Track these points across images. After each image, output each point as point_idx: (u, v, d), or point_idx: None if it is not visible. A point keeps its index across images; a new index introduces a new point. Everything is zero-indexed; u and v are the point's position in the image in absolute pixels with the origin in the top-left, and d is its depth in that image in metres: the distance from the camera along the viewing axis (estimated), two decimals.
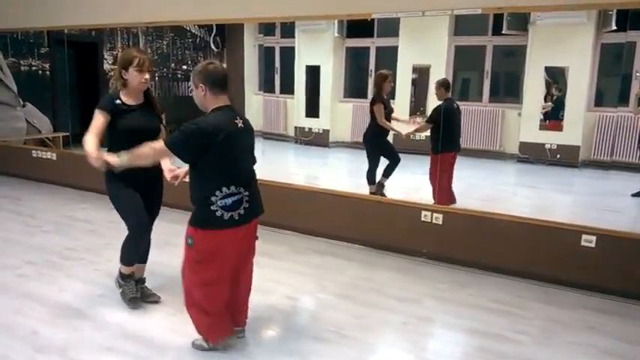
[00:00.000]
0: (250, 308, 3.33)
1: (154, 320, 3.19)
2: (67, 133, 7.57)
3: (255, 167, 2.89)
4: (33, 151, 7.02)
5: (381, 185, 5.22)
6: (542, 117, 6.26)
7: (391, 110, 5.37)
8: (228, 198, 2.60)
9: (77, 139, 7.56)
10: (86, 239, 4.64)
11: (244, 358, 2.83)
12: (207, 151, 2.53)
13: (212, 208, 2.58)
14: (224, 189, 2.58)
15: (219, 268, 2.72)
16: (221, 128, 2.54)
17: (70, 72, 7.51)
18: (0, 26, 7.18)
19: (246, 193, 2.67)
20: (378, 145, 5.32)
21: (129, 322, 3.15)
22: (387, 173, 5.27)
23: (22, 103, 7.87)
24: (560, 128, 6.19)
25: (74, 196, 6.24)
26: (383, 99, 5.20)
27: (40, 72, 8.05)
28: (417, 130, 5.18)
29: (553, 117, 6.21)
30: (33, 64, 7.99)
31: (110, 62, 8.39)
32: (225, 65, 9.53)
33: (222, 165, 2.59)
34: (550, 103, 6.21)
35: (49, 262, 4.09)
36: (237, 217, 2.63)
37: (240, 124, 2.65)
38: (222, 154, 2.56)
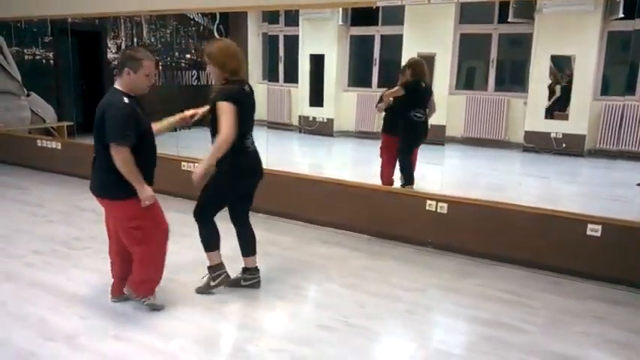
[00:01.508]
0: (256, 297, 3.37)
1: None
2: (72, 123, 7.58)
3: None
4: (38, 141, 7.03)
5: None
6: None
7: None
8: None
9: (81, 129, 7.60)
10: (93, 229, 4.65)
11: (251, 347, 2.85)
12: None
13: None
14: None
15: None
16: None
17: (73, 61, 7.50)
18: (3, 15, 7.17)
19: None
20: None
21: (135, 311, 3.17)
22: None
23: (26, 92, 7.87)
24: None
25: (80, 185, 6.24)
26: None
27: (44, 61, 8.03)
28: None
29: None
30: (37, 53, 7.98)
31: (114, 51, 8.36)
32: None
33: None
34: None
35: (56, 252, 4.11)
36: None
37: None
38: None
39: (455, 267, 4.01)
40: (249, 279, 3.47)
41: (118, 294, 3.25)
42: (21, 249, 4.15)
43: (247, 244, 3.45)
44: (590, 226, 3.74)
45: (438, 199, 4.32)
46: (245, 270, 3.48)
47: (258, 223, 4.94)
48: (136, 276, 3.10)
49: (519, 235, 4.00)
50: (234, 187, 3.22)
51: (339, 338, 2.93)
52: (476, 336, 3.03)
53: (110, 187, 2.91)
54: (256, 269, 3.50)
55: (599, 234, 3.71)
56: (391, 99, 4.90)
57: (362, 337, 2.96)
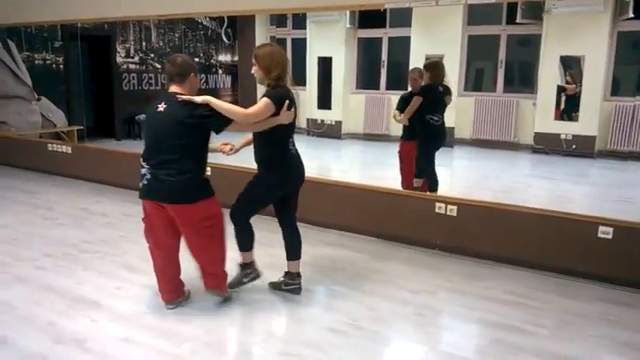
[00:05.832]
0: (264, 300, 3.36)
1: (170, 311, 3.21)
2: (82, 127, 7.64)
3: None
4: (49, 145, 7.09)
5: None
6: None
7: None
8: (141, 168, 2.98)
9: (91, 133, 7.66)
10: (102, 232, 4.68)
11: (259, 350, 2.85)
12: None
13: None
14: (141, 158, 3.00)
15: (150, 235, 3.15)
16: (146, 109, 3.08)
17: (83, 65, 7.57)
18: (14, 20, 7.24)
19: (148, 170, 2.94)
20: None
21: (145, 314, 3.18)
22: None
23: (36, 97, 7.95)
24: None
25: (89, 189, 6.29)
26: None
27: (54, 66, 8.12)
28: None
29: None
30: (47, 57, 8.06)
31: (123, 55, 8.43)
32: (236, 57, 9.59)
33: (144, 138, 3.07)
34: None
35: (66, 255, 4.13)
36: (140, 186, 2.99)
37: (160, 108, 2.95)
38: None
39: (463, 269, 3.99)
40: (290, 284, 3.45)
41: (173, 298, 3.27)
42: (32, 252, 4.18)
43: (290, 247, 3.46)
44: (601, 228, 3.70)
45: (448, 201, 4.30)
46: (287, 274, 3.47)
47: (265, 225, 4.95)
48: (218, 270, 3.20)
49: (529, 238, 3.97)
50: (277, 189, 3.28)
51: (349, 341, 2.92)
52: (485, 339, 3.01)
53: (191, 189, 2.97)
54: (298, 275, 3.46)
55: (610, 236, 3.67)
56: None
57: (372, 340, 2.95)
